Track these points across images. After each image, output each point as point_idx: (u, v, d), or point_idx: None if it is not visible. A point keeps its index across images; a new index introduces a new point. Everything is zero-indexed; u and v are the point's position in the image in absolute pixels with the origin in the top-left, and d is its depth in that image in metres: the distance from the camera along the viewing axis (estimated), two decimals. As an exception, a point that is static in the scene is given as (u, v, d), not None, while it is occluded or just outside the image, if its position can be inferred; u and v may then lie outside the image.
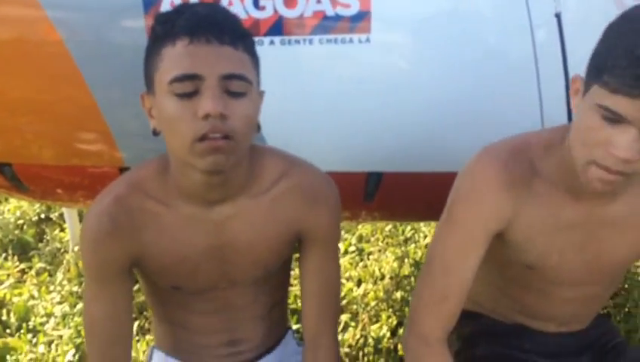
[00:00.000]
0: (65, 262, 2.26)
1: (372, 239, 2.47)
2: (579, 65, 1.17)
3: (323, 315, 0.98)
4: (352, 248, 2.38)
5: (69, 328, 1.85)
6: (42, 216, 2.68)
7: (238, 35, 0.79)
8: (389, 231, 2.46)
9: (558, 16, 1.15)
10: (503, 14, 1.18)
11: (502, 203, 0.90)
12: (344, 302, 1.99)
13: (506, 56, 1.20)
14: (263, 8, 1.15)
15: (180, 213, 0.90)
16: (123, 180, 0.91)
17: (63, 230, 2.52)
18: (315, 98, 1.22)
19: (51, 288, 2.12)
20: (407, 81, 1.21)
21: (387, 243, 2.37)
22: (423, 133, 1.25)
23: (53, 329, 1.88)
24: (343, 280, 2.13)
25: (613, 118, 0.74)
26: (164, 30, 0.79)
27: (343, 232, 2.52)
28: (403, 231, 2.43)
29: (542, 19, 1.16)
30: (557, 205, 0.91)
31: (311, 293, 0.98)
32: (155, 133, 0.85)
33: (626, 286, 1.98)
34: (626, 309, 1.83)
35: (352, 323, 1.87)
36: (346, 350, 1.75)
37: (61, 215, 2.54)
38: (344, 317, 1.88)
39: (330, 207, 0.96)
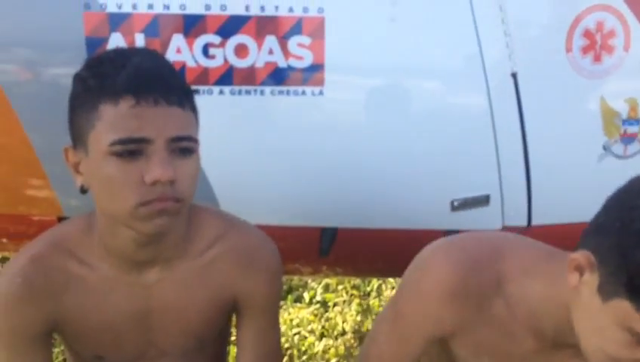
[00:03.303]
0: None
1: (340, 288, 2.41)
2: (534, 124, 1.16)
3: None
4: (318, 298, 2.31)
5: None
6: (-2, 256, 2.56)
7: (185, 93, 0.74)
8: (355, 281, 2.39)
9: (514, 75, 1.13)
10: (460, 71, 1.16)
11: (447, 315, 0.79)
12: (304, 357, 1.91)
13: (462, 112, 1.17)
14: (212, 57, 1.11)
15: (105, 275, 0.83)
16: (43, 238, 0.84)
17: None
18: (266, 150, 1.18)
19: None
20: (362, 135, 1.17)
21: (352, 295, 2.30)
22: (378, 189, 1.21)
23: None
24: (305, 334, 2.05)
25: None
26: (102, 85, 0.71)
27: (309, 281, 2.45)
28: (369, 283, 2.37)
29: (498, 78, 1.14)
30: (514, 337, 0.79)
31: (246, 367, 0.90)
32: (83, 190, 0.78)
33: None
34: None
35: (310, 382, 1.78)
36: (301, 412, 1.66)
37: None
38: (303, 375, 1.80)
39: (269, 273, 0.89)
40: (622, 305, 0.64)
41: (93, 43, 1.09)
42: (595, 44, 1.15)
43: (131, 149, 0.70)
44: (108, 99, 0.70)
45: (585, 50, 1.15)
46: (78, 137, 0.75)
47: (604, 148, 1.19)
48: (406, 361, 0.85)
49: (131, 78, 0.70)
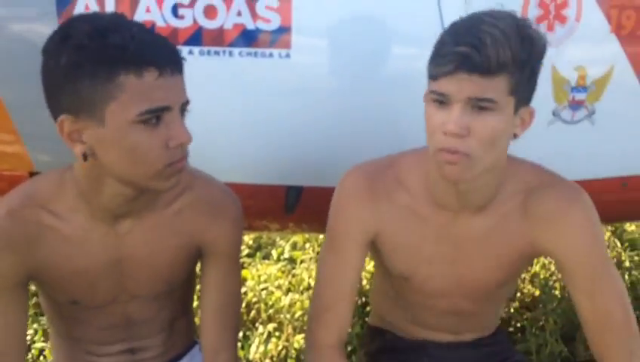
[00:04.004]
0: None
1: (307, 246, 2.48)
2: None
3: (222, 330, 0.97)
4: (286, 255, 2.39)
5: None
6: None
7: (181, 59, 0.80)
8: (323, 238, 2.47)
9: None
10: (423, 35, 1.21)
11: (365, 214, 0.96)
12: (271, 311, 1.99)
13: (424, 76, 1.22)
14: (182, 17, 1.13)
15: (78, 226, 0.88)
16: (18, 192, 0.88)
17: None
18: (233, 110, 1.22)
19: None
20: (327, 96, 1.22)
21: (318, 253, 2.38)
22: (342, 149, 1.26)
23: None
24: (273, 289, 2.13)
25: (441, 100, 0.82)
26: (120, 57, 0.72)
27: (277, 239, 2.52)
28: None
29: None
30: (422, 217, 0.95)
31: (210, 308, 0.97)
32: (86, 158, 0.79)
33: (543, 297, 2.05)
34: (540, 323, 1.90)
35: (277, 334, 1.86)
36: None
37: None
38: (269, 327, 1.88)
39: (231, 221, 0.96)
40: (428, 87, 0.85)
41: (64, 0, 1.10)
42: (549, 14, 1.21)
43: (155, 117, 0.76)
44: (130, 70, 0.73)
45: (539, 19, 1.21)
46: (85, 107, 0.75)
47: (554, 113, 1.27)
48: (349, 274, 0.98)
49: (149, 49, 0.74)
